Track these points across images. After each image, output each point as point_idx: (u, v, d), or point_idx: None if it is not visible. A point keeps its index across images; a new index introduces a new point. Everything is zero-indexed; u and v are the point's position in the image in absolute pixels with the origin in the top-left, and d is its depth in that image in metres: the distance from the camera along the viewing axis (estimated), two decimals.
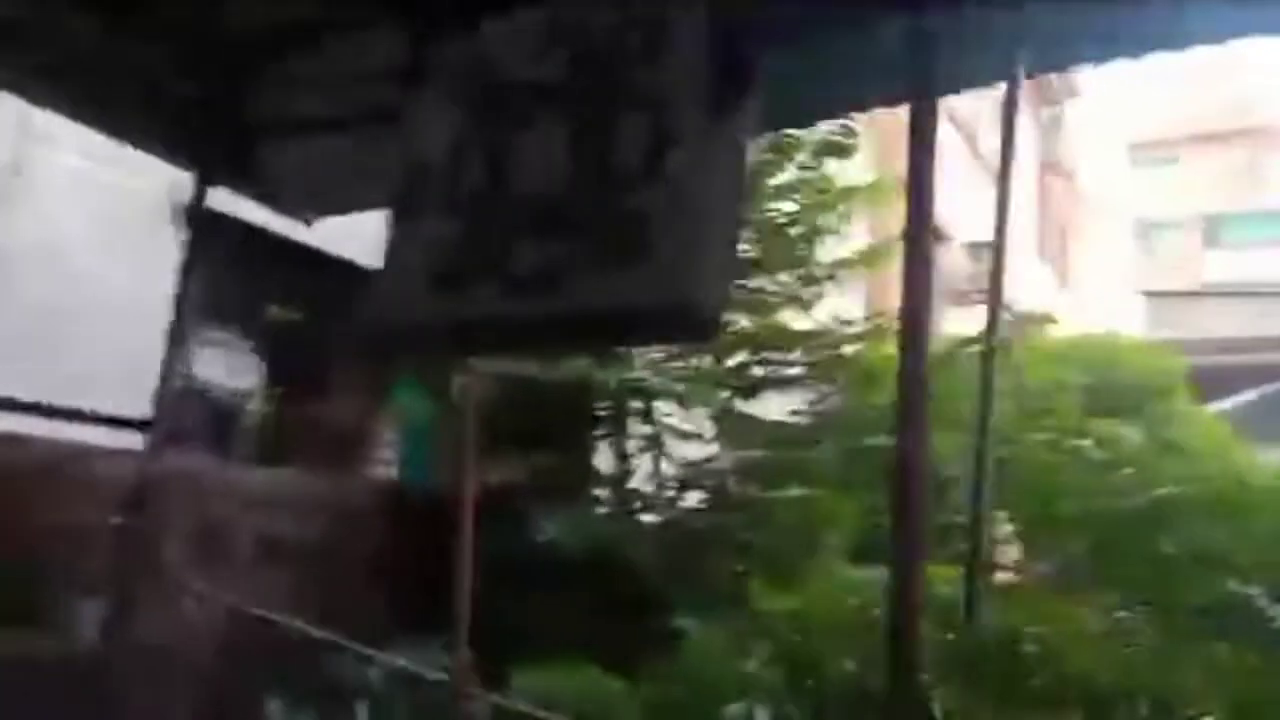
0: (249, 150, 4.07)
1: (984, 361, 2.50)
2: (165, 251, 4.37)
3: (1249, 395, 12.42)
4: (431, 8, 3.20)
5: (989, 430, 2.57)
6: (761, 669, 4.15)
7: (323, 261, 6.16)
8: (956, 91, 2.52)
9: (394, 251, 3.16)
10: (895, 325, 6.74)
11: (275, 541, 5.46)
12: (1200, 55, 2.46)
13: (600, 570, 5.25)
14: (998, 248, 2.80)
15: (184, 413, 3.96)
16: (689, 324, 2.62)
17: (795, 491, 4.96)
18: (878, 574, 4.60)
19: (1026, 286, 16.71)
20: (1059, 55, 2.67)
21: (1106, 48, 2.57)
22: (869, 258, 7.38)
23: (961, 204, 14.59)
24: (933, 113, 2.27)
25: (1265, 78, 23.29)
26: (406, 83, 3.23)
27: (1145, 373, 8.82)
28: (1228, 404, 11.36)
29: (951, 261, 15.14)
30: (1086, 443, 4.52)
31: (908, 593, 1.97)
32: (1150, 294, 22.85)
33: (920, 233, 2.19)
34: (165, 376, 3.72)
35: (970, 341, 6.63)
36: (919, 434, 2.03)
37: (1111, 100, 20.70)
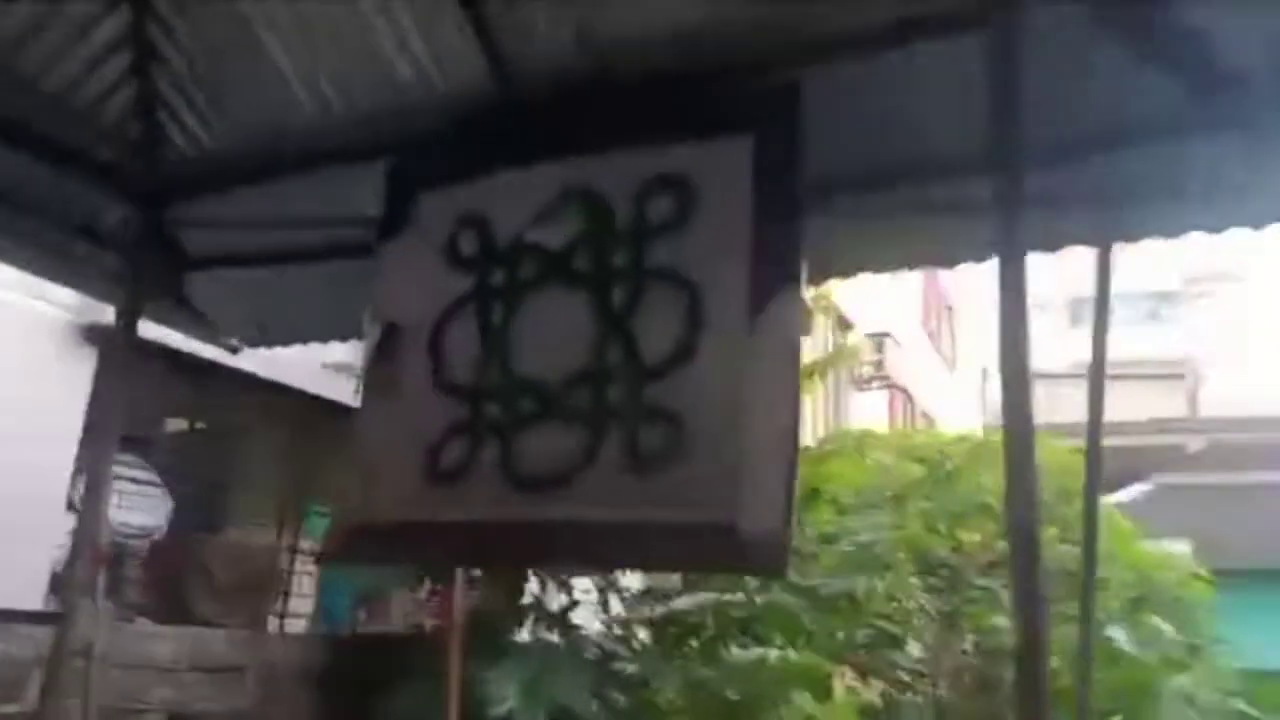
0: (177, 279, 3.64)
1: (1089, 487, 2.22)
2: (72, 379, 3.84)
3: (1143, 486, 12.70)
4: (419, 155, 2.85)
5: (1093, 580, 2.27)
6: None
7: (225, 375, 5.54)
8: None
9: (377, 434, 2.75)
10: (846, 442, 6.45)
11: (192, 715, 4.82)
12: None
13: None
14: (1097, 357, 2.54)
15: (91, 565, 3.41)
16: (740, 551, 2.21)
17: (774, 653, 4.60)
18: None
19: (918, 372, 17.06)
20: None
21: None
22: (809, 372, 7.21)
23: (860, 296, 14.80)
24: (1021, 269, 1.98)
25: None
26: (382, 230, 2.87)
27: (1055, 473, 8.81)
28: (1124, 496, 11.54)
29: (857, 349, 15.28)
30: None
31: None
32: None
33: (1015, 381, 1.91)
34: (76, 528, 3.25)
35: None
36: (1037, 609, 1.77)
37: None
